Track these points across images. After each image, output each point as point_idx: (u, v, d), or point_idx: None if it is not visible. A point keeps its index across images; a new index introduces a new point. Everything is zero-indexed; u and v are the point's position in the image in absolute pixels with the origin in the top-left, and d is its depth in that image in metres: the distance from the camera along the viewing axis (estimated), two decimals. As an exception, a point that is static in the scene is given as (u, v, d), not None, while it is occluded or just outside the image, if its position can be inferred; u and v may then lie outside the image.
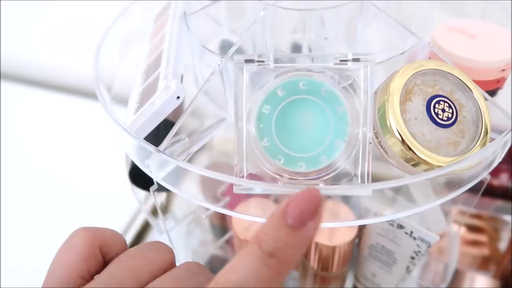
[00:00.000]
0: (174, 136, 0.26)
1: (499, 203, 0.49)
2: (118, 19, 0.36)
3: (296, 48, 0.36)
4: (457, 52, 0.28)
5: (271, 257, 0.16)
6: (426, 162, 0.23)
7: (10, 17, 0.71)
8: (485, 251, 0.51)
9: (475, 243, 0.52)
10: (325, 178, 0.23)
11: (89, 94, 0.72)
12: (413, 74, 0.24)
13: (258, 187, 0.23)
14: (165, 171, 0.26)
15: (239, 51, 0.29)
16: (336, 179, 0.23)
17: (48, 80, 0.76)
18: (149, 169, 0.26)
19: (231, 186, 0.36)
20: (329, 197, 0.35)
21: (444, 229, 0.42)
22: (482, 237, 0.52)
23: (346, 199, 0.36)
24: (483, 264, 0.50)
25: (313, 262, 0.36)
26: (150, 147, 0.25)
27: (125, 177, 0.38)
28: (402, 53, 0.27)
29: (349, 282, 0.43)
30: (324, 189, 0.23)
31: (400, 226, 0.33)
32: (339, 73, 0.23)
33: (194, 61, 0.31)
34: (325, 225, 0.32)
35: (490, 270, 0.49)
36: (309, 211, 0.16)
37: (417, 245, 0.33)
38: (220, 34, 0.38)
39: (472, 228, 0.52)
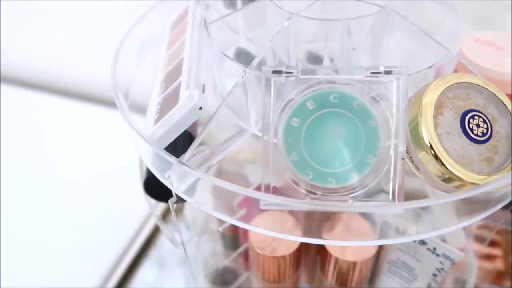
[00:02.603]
0: (196, 148, 0.25)
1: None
2: (134, 27, 0.36)
3: (313, 58, 0.35)
4: (485, 65, 0.27)
5: None
6: (459, 178, 0.22)
7: (26, 23, 0.71)
8: (499, 265, 0.50)
9: (489, 257, 0.51)
10: (354, 194, 0.22)
11: (99, 101, 0.72)
12: (446, 88, 0.23)
13: (284, 204, 0.22)
14: (186, 184, 0.26)
15: (260, 62, 0.28)
16: (365, 196, 0.22)
17: (60, 86, 0.76)
18: (170, 181, 0.26)
19: (247, 198, 0.35)
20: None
21: (463, 244, 0.41)
22: (496, 251, 0.51)
23: (365, 214, 0.35)
24: (497, 279, 0.49)
25: (331, 278, 0.35)
26: (172, 158, 0.24)
27: (136, 180, 0.37)
28: (430, 67, 0.26)
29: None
30: (353, 206, 0.22)
31: (423, 242, 0.32)
32: (369, 85, 0.22)
33: (214, 70, 0.31)
34: (343, 243, 0.31)
35: (504, 284, 0.48)
36: None
37: (440, 262, 0.32)
38: (236, 43, 0.38)
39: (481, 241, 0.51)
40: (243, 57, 0.38)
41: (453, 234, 0.41)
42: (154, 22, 0.39)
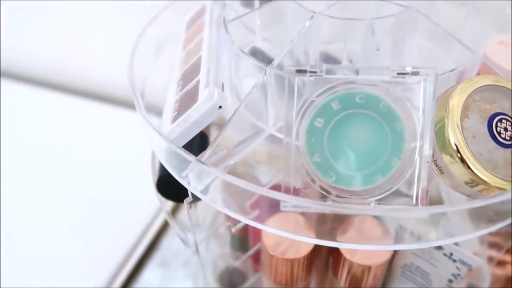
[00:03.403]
0: (215, 147, 0.25)
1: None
2: (148, 26, 0.35)
3: (328, 59, 0.34)
4: (510, 67, 0.27)
5: None
6: (484, 182, 0.22)
7: (37, 21, 0.71)
8: (509, 271, 0.50)
9: (499, 263, 0.50)
10: (377, 198, 0.22)
11: (111, 100, 0.71)
12: (473, 91, 0.22)
13: (305, 205, 0.21)
14: (203, 184, 0.25)
15: (269, 61, 0.28)
16: (388, 199, 0.22)
17: (72, 85, 0.75)
18: (187, 180, 0.25)
19: (258, 200, 0.34)
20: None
21: (476, 249, 0.41)
22: (507, 257, 0.51)
23: (381, 217, 0.34)
24: (507, 285, 0.49)
25: (344, 282, 0.34)
26: (191, 157, 0.24)
27: (142, 181, 0.37)
28: (453, 70, 0.26)
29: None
30: (376, 210, 0.22)
31: (439, 247, 0.32)
32: (394, 86, 0.22)
33: (231, 69, 0.30)
34: (358, 247, 0.31)
35: (514, 291, 0.48)
36: None
37: (457, 267, 0.31)
38: (252, 42, 0.37)
39: (496, 247, 0.50)
40: (258, 56, 0.37)
41: (466, 240, 0.40)
42: (168, 22, 0.38)
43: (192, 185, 0.25)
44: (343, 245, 0.30)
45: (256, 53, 0.37)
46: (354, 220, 0.33)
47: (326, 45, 0.34)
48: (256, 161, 0.48)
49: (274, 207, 0.35)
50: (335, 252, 0.34)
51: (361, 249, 0.31)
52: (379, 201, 0.22)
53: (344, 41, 0.31)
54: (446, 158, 0.22)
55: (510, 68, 0.27)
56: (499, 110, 0.23)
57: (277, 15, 0.34)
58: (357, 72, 0.22)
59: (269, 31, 0.37)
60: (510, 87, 0.23)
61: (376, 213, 0.22)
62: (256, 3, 0.35)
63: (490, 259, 0.50)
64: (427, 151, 0.21)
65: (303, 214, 0.35)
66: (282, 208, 0.22)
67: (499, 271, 0.50)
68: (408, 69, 0.21)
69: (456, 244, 0.32)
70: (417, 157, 0.21)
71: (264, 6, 0.32)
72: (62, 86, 0.75)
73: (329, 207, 0.21)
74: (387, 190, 0.22)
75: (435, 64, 0.28)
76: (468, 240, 0.41)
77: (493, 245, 0.48)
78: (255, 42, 0.37)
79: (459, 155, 0.22)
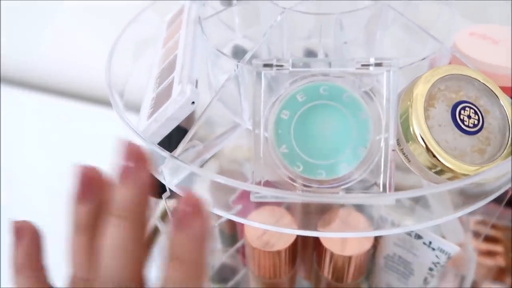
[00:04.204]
0: (188, 142, 0.25)
1: (514, 213, 0.48)
2: (129, 26, 0.36)
3: (310, 54, 0.35)
4: (480, 58, 0.27)
5: (179, 263, 0.18)
6: (450, 170, 0.22)
7: (19, 22, 0.72)
8: (500, 261, 0.50)
9: (490, 254, 0.51)
10: (345, 186, 0.22)
11: (94, 100, 0.72)
12: (437, 80, 0.23)
13: (275, 195, 0.22)
14: (178, 178, 0.26)
15: (253, 56, 0.28)
16: (356, 188, 0.22)
17: (57, 86, 0.76)
18: (163, 175, 0.26)
19: (242, 194, 0.35)
20: (342, 205, 0.34)
21: (461, 240, 0.41)
22: (497, 248, 0.51)
23: (360, 208, 0.35)
24: (498, 275, 0.49)
25: (327, 273, 0.35)
26: (165, 152, 0.24)
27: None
28: (423, 59, 0.26)
29: (363, 294, 0.41)
30: (344, 197, 0.22)
31: (418, 236, 0.32)
32: (360, 78, 0.22)
33: (208, 66, 0.31)
34: (338, 235, 0.31)
35: (505, 281, 0.48)
36: (189, 213, 0.18)
37: (436, 256, 0.32)
38: (232, 40, 0.38)
39: (487, 239, 0.51)
40: (241, 54, 0.38)
41: (451, 230, 0.41)
42: (150, 21, 0.39)
43: (167, 179, 0.26)
44: (323, 234, 0.31)
45: (239, 52, 0.38)
46: (337, 212, 0.33)
47: (306, 41, 0.35)
48: (245, 158, 0.48)
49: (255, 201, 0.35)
50: (318, 245, 0.34)
51: (340, 236, 0.32)
52: (348, 190, 0.22)
53: (319, 36, 0.31)
54: (413, 147, 0.23)
55: (480, 59, 0.27)
56: (464, 99, 0.23)
57: (255, 13, 0.35)
58: (329, 65, 0.23)
59: (249, 29, 0.37)
60: (476, 77, 0.24)
61: (344, 201, 0.22)
62: (234, 2, 0.36)
63: (489, 253, 0.50)
64: (392, 141, 0.22)
65: (287, 208, 0.36)
66: (252, 199, 0.22)
67: (490, 262, 0.50)
68: (372, 61, 0.22)
69: (443, 237, 0.33)
70: (383, 145, 0.22)
71: (240, 4, 0.33)
72: (50, 88, 0.76)
73: (298, 196, 0.22)
74: (354, 179, 0.22)
75: (413, 57, 0.29)
76: (453, 232, 0.41)
77: (476, 235, 0.48)
78: (236, 39, 0.38)
79: (423, 143, 0.22)
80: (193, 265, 0.18)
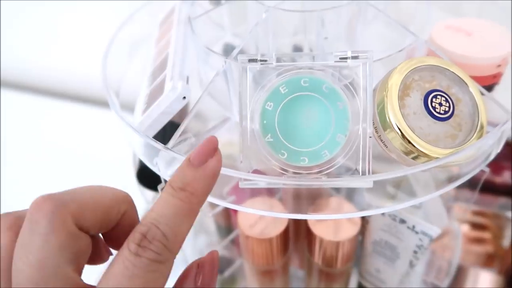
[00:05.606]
0: (181, 135, 0.27)
1: (502, 200, 0.50)
2: (123, 26, 0.37)
3: (298, 50, 0.37)
4: (454, 50, 0.29)
5: (181, 191, 0.19)
6: (425, 155, 0.24)
7: (16, 24, 0.73)
8: (489, 248, 0.51)
9: (479, 241, 0.52)
10: (327, 171, 0.24)
11: (90, 101, 0.74)
12: (410, 70, 0.25)
13: (263, 181, 0.24)
14: (172, 169, 0.27)
15: (242, 53, 0.30)
16: (338, 173, 0.24)
17: (52, 87, 0.78)
18: (157, 167, 0.27)
19: (236, 186, 0.36)
20: (332, 195, 0.36)
21: (446, 225, 0.43)
22: (486, 235, 0.53)
23: (349, 196, 0.37)
24: (487, 261, 0.51)
25: (318, 259, 0.36)
26: (159, 145, 0.26)
27: (133, 178, 0.39)
28: (400, 51, 0.28)
29: (354, 280, 0.43)
30: (326, 181, 0.24)
31: (402, 221, 0.34)
32: (339, 71, 0.24)
33: (199, 64, 0.32)
34: (329, 216, 0.33)
35: (494, 267, 0.50)
36: (207, 151, 0.20)
37: (420, 239, 0.33)
38: (223, 38, 0.39)
39: (476, 226, 0.52)
40: (231, 51, 0.39)
41: (436, 216, 0.43)
42: (143, 22, 0.40)
43: (162, 171, 0.27)
44: (313, 216, 0.33)
45: (228, 49, 0.39)
46: (327, 201, 0.35)
47: (292, 37, 0.36)
48: (238, 153, 0.50)
49: (249, 191, 0.37)
50: (309, 233, 0.36)
51: (328, 218, 0.33)
52: (329, 175, 0.24)
53: (304, 32, 0.33)
54: (390, 135, 0.24)
55: (453, 50, 0.29)
56: (437, 88, 0.25)
57: (243, 12, 0.36)
58: (312, 59, 0.24)
59: (239, 27, 0.39)
60: (447, 67, 0.26)
61: (326, 184, 0.24)
62: (222, 1, 0.38)
63: (477, 240, 0.52)
64: (370, 128, 0.23)
65: (280, 200, 0.38)
66: (241, 186, 0.24)
67: (479, 249, 0.52)
68: (349, 54, 0.23)
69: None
70: (361, 133, 0.23)
71: (228, 3, 0.34)
72: (46, 89, 0.77)
73: (283, 181, 0.24)
74: (335, 165, 0.24)
75: (394, 50, 0.30)
76: (438, 218, 0.43)
77: (480, 227, 0.50)
78: (226, 38, 0.39)
79: (399, 130, 0.24)
80: (197, 197, 0.19)
